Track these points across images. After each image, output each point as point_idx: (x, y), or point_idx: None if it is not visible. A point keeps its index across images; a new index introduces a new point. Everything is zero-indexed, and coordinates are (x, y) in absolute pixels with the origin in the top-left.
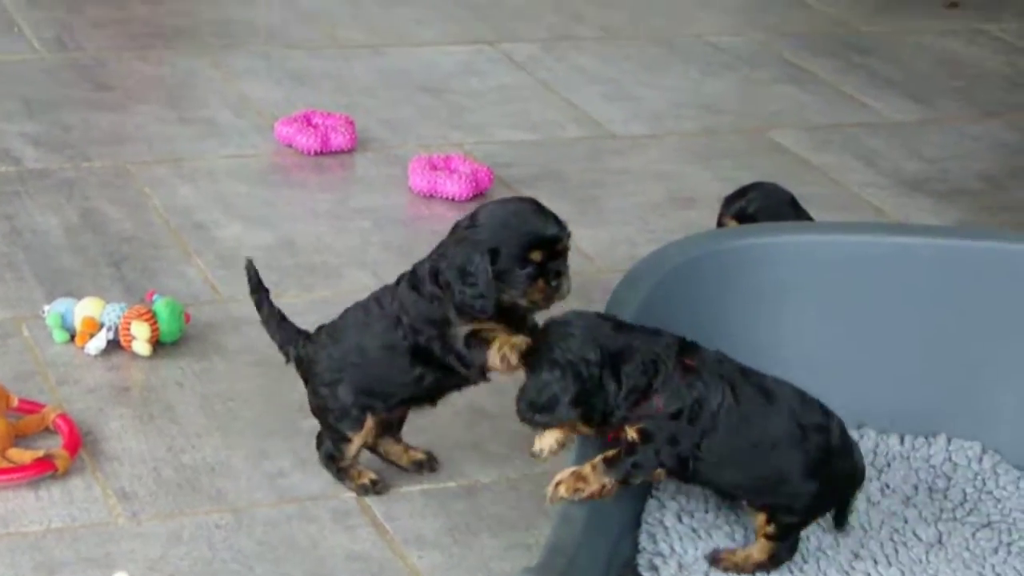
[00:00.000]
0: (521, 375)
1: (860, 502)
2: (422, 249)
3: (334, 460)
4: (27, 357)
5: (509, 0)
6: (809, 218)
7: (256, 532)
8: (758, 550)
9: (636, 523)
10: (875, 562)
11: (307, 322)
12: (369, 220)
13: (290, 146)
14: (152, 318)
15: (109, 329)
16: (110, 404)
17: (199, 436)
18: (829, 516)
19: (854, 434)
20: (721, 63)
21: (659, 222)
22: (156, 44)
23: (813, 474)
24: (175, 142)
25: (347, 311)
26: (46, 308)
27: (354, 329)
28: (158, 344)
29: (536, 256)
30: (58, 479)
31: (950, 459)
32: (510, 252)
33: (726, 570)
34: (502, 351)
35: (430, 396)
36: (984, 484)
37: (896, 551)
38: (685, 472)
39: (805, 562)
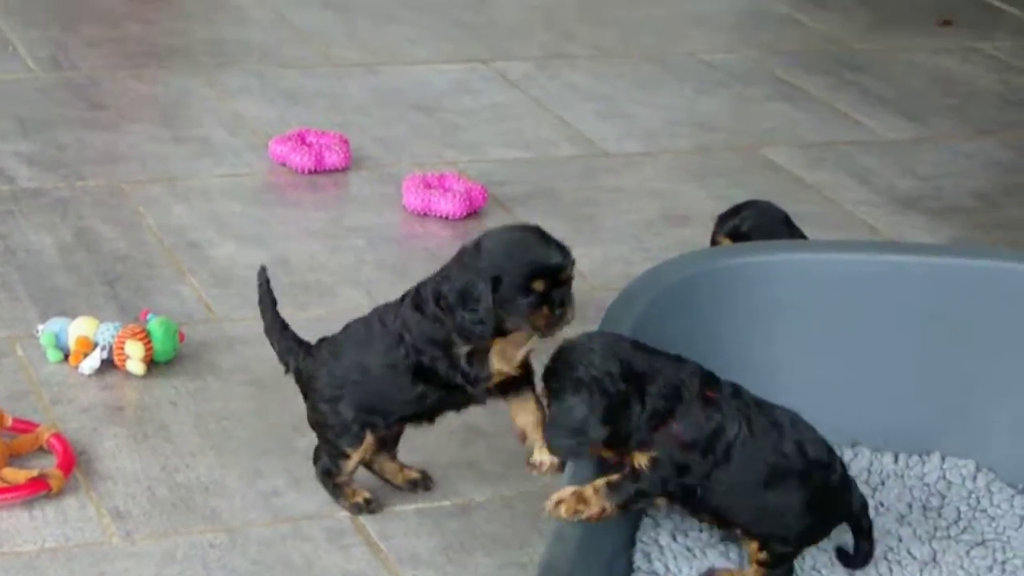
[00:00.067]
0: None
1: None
2: (416, 267)
3: (331, 476)
4: (21, 376)
5: (502, 19)
6: (803, 236)
7: (250, 551)
8: (753, 573)
9: (631, 542)
10: None
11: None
12: (363, 239)
13: (284, 165)
14: (146, 337)
15: (103, 348)
16: (104, 423)
17: (193, 455)
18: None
19: (848, 452)
20: (714, 81)
21: (653, 240)
22: (150, 63)
23: (811, 509)
24: (169, 161)
25: (348, 326)
26: (40, 327)
27: (356, 346)
28: (152, 363)
29: (539, 285)
30: (52, 499)
31: (944, 477)
32: (513, 281)
33: None
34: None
35: (430, 414)
36: (978, 502)
37: (891, 570)
38: (690, 501)
39: None
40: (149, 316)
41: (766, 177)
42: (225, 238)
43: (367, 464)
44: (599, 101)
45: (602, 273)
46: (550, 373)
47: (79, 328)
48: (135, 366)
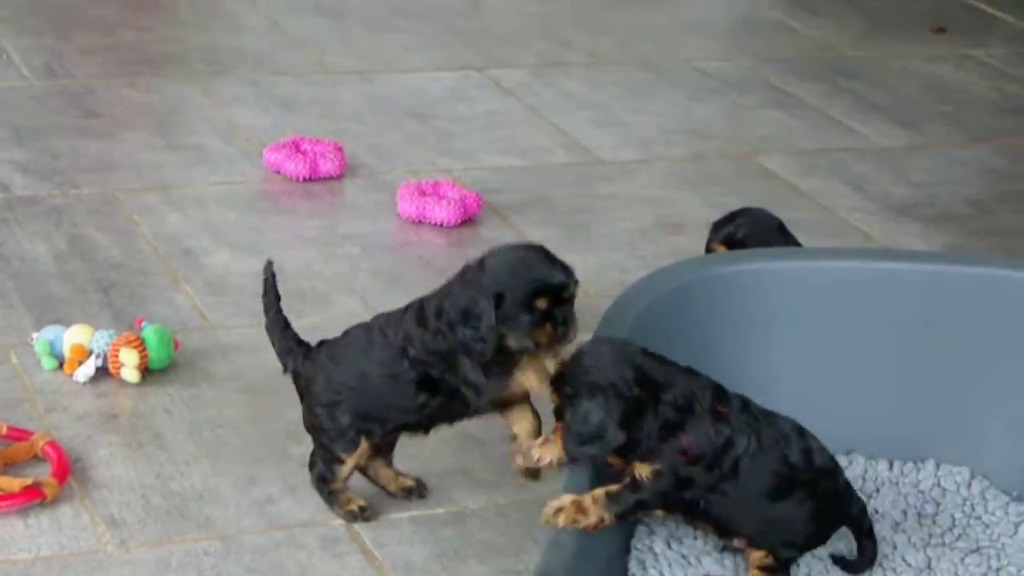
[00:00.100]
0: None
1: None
2: (411, 275)
3: (326, 482)
4: (15, 384)
5: (497, 26)
6: (797, 243)
7: (245, 559)
8: None
9: (626, 549)
10: None
11: None
12: (358, 246)
13: (278, 172)
14: (141, 345)
15: (98, 356)
16: (99, 431)
17: (188, 463)
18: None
19: (843, 460)
20: (709, 88)
21: (648, 248)
22: (145, 71)
23: (818, 516)
24: (164, 169)
25: (349, 332)
26: (35, 335)
27: (356, 353)
28: (147, 371)
29: (541, 303)
30: (47, 507)
31: (939, 484)
32: (515, 298)
33: None
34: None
35: (427, 425)
36: (973, 509)
37: None
38: (692, 513)
39: None
40: (143, 324)
41: (761, 184)
42: (220, 246)
43: (362, 470)
44: (594, 109)
45: (597, 281)
46: (561, 380)
47: (74, 336)
48: (130, 374)
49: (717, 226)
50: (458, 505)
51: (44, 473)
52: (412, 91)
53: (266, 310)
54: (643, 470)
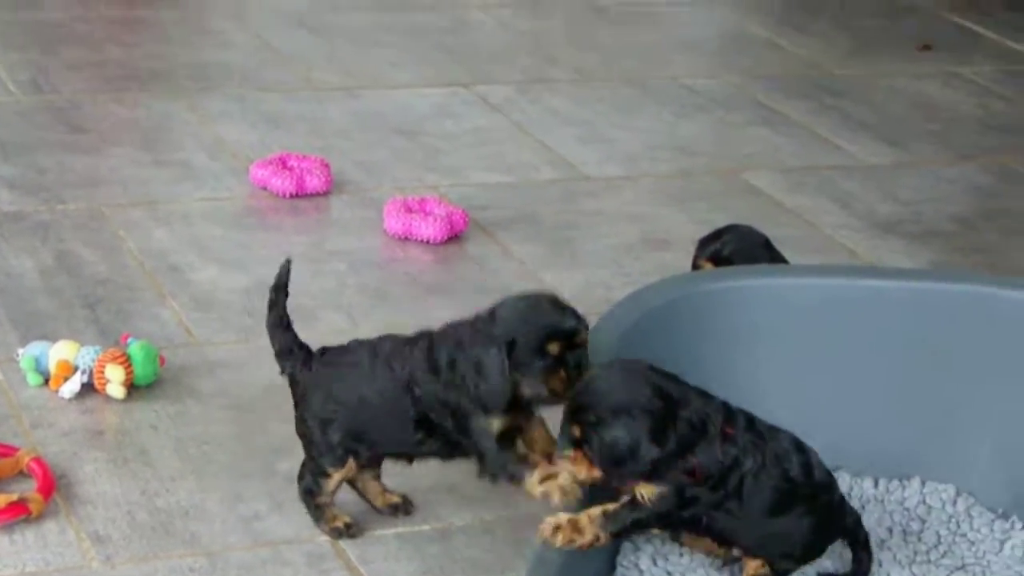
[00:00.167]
0: None
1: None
2: (397, 291)
3: (312, 495)
4: (1, 400)
5: (484, 43)
6: (783, 260)
7: (230, 575)
8: None
9: (611, 566)
10: None
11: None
12: (344, 262)
13: (265, 189)
14: (127, 361)
15: (83, 372)
16: (84, 447)
17: (173, 479)
18: None
19: None
20: (695, 105)
21: (634, 264)
22: (131, 87)
23: (817, 530)
24: (150, 185)
25: (354, 350)
26: (20, 351)
27: (358, 377)
28: (132, 387)
29: (553, 348)
30: (32, 523)
31: (924, 502)
32: (527, 344)
33: None
34: (547, 487)
35: (420, 456)
36: (958, 526)
37: None
38: (691, 528)
39: None
40: (129, 340)
41: (747, 201)
42: (206, 262)
43: (350, 481)
44: (580, 125)
45: (583, 297)
46: (578, 410)
47: (59, 352)
48: (115, 390)
49: (703, 243)
50: (444, 522)
51: (29, 489)
52: (399, 107)
53: (271, 307)
54: (647, 490)
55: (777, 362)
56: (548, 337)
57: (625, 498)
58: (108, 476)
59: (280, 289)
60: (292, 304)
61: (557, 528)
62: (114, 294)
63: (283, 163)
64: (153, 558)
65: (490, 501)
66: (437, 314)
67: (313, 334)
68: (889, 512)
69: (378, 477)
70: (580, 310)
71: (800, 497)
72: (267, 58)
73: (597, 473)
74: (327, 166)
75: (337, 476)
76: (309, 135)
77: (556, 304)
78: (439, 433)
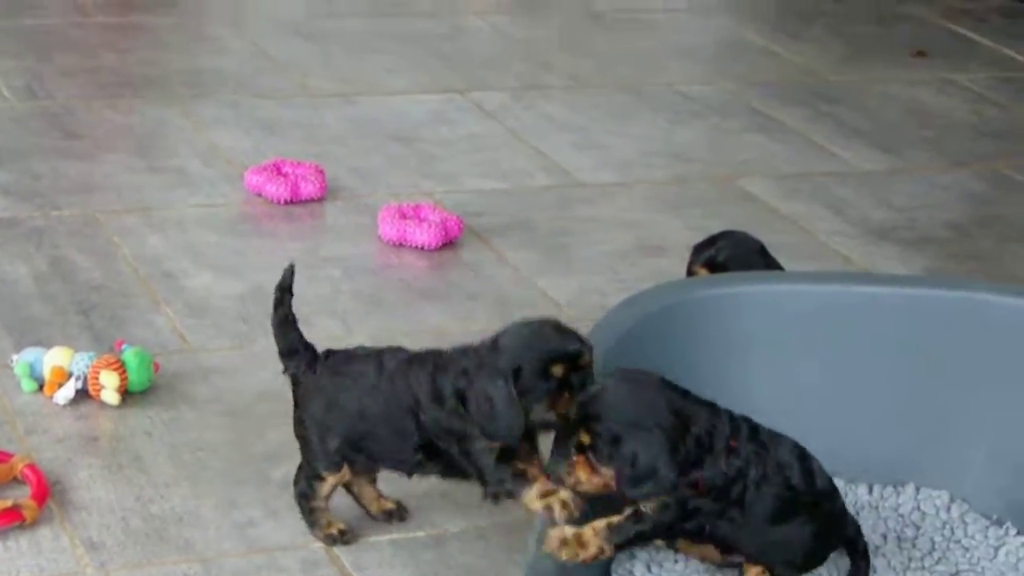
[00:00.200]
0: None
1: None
2: (392, 297)
3: (307, 499)
4: None
5: (479, 49)
6: (778, 266)
7: None
8: None
9: (606, 573)
10: None
11: (278, 372)
12: (339, 269)
13: (260, 195)
14: (121, 367)
15: (78, 378)
16: (79, 454)
17: (168, 486)
18: None
19: None
20: (690, 112)
21: (629, 271)
22: (126, 93)
23: (818, 537)
24: (144, 191)
25: (358, 357)
26: (14, 357)
27: (362, 389)
28: (127, 393)
29: (557, 370)
30: (26, 529)
31: (919, 508)
32: (532, 368)
33: None
34: (548, 502)
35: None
36: (952, 533)
37: None
38: (694, 537)
39: None
40: (124, 346)
41: (742, 208)
42: (200, 268)
43: (346, 485)
44: (575, 132)
45: (578, 304)
46: (587, 418)
47: (54, 358)
48: (110, 396)
49: (698, 249)
50: (438, 528)
51: (23, 495)
52: (394, 114)
53: (276, 306)
54: (650, 503)
55: (771, 368)
56: (552, 360)
57: (628, 510)
58: (102, 482)
59: (285, 289)
60: None
61: (563, 543)
62: (108, 300)
63: (278, 169)
64: (147, 564)
65: (484, 508)
66: (431, 320)
67: (308, 340)
68: (883, 518)
69: (374, 483)
70: (575, 316)
71: (802, 505)
72: (262, 65)
73: (598, 479)
74: (322, 172)
75: (332, 480)
76: (304, 141)
77: (559, 328)
78: (442, 458)
